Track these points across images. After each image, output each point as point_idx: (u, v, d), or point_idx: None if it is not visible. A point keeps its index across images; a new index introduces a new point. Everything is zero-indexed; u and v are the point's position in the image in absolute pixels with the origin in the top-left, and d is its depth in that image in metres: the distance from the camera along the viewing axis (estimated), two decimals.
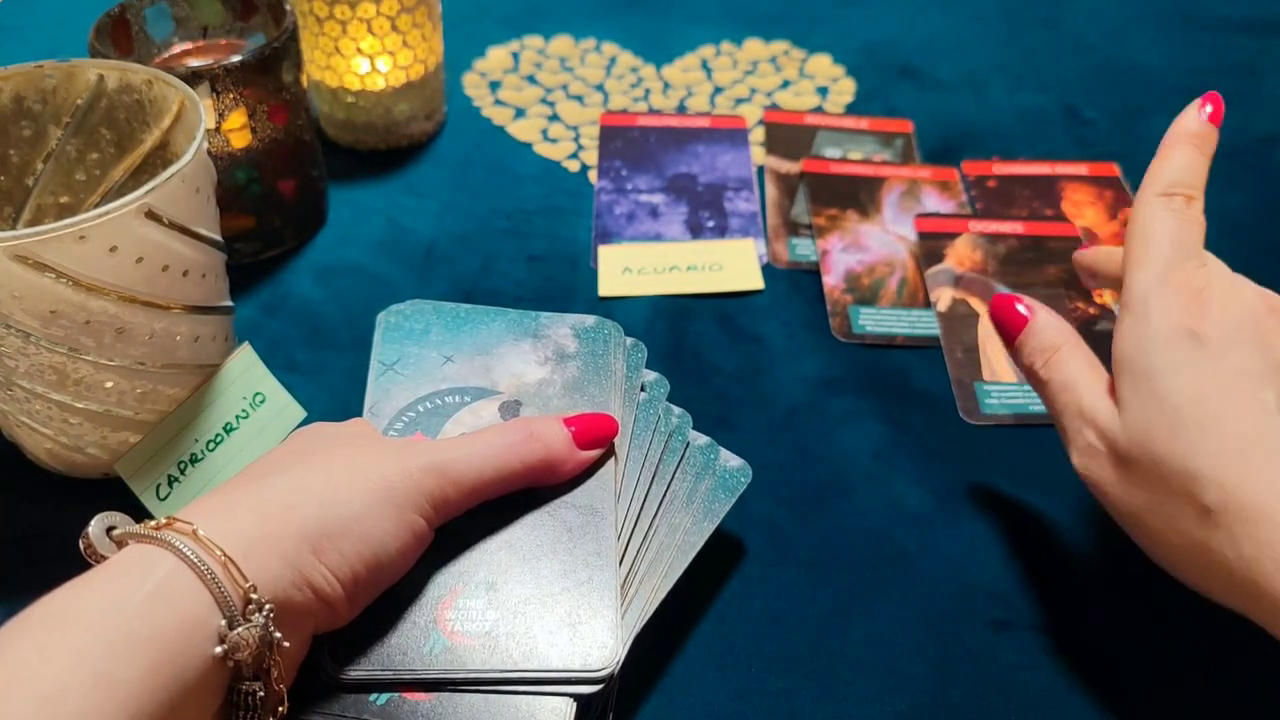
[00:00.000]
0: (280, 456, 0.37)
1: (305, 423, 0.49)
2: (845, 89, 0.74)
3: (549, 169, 0.66)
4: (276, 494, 0.34)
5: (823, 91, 0.74)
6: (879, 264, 0.59)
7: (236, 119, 0.53)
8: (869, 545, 0.45)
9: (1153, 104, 0.72)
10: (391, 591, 0.36)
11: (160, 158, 0.46)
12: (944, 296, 0.56)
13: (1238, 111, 0.71)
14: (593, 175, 0.66)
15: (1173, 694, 0.40)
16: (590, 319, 0.46)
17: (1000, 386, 0.52)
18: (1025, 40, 0.80)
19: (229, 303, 0.46)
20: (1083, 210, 0.63)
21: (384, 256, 0.59)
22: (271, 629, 0.31)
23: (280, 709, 0.33)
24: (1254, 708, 0.39)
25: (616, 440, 0.41)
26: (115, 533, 0.33)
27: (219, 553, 0.31)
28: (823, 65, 0.76)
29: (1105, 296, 0.56)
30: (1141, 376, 0.36)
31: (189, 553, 0.31)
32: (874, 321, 0.55)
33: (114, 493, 0.43)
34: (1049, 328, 0.41)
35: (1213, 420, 0.35)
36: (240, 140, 0.53)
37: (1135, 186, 0.64)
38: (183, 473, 0.44)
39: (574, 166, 0.66)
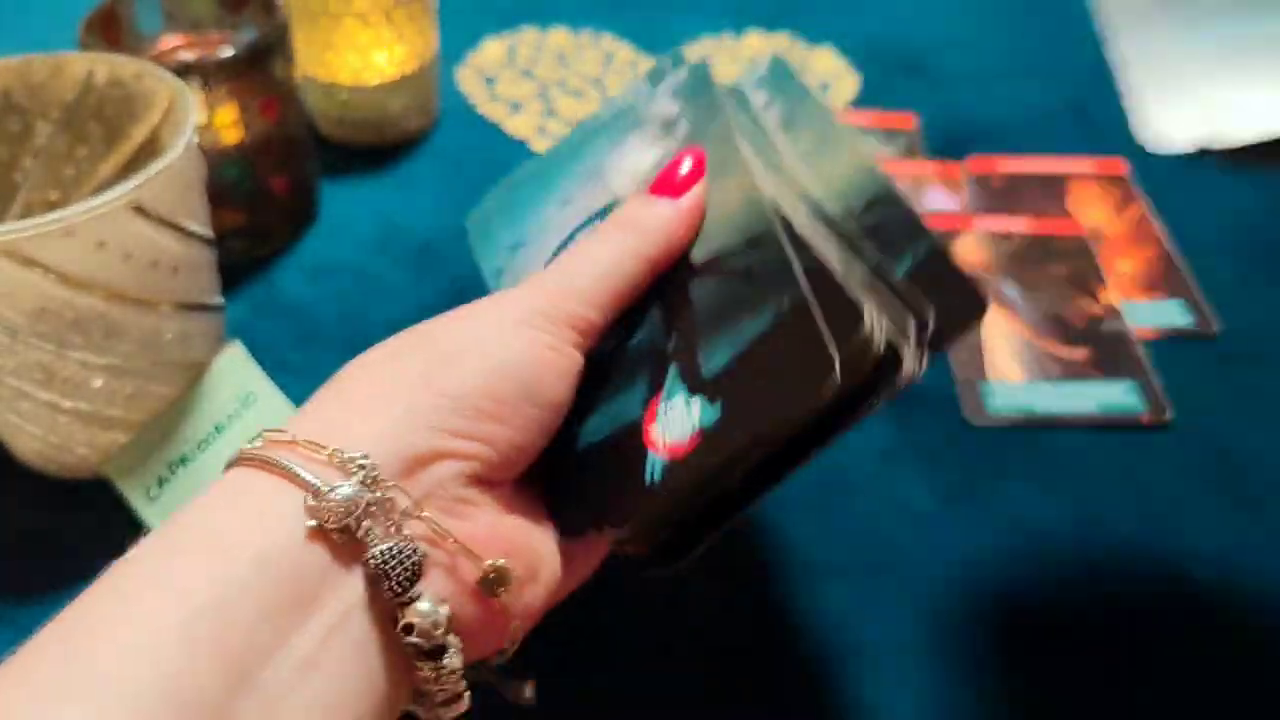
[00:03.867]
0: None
1: None
2: (849, 84, 0.73)
3: None
4: (368, 358, 0.31)
5: (825, 87, 0.73)
6: None
7: (227, 114, 0.52)
8: (872, 546, 0.44)
9: None
10: (577, 445, 0.32)
11: (150, 153, 0.45)
12: None
13: None
14: None
15: (1183, 695, 0.39)
16: (682, 73, 0.40)
17: (1005, 386, 0.51)
18: (1032, 35, 0.79)
19: (219, 300, 0.45)
20: (1089, 208, 0.62)
21: (378, 254, 0.58)
22: (376, 486, 0.27)
23: (495, 569, 0.29)
24: (1268, 706, 0.39)
25: (740, 164, 0.35)
26: None
27: (294, 438, 0.28)
28: (826, 59, 0.76)
29: (1111, 296, 0.56)
30: None
31: (263, 452, 0.28)
32: None
33: (104, 493, 0.42)
34: None
35: None
36: (231, 136, 0.53)
37: (1143, 184, 0.64)
38: (173, 473, 0.44)
39: None
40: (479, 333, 0.31)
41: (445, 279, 0.57)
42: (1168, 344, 0.54)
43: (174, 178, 0.39)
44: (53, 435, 0.42)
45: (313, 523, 0.26)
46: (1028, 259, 0.58)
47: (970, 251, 0.58)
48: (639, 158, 0.39)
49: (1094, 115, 0.70)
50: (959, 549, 0.44)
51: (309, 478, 0.27)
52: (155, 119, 0.44)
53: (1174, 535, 0.45)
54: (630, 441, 0.32)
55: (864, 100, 0.71)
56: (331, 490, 0.27)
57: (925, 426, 0.49)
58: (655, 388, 0.32)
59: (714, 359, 0.31)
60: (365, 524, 0.27)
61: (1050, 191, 0.63)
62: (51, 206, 0.47)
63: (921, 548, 0.44)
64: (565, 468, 0.33)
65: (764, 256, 0.32)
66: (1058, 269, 0.57)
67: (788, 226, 0.32)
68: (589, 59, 0.75)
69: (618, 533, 0.32)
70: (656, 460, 0.31)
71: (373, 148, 0.65)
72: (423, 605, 0.27)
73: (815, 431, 0.31)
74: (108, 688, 0.23)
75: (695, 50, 0.76)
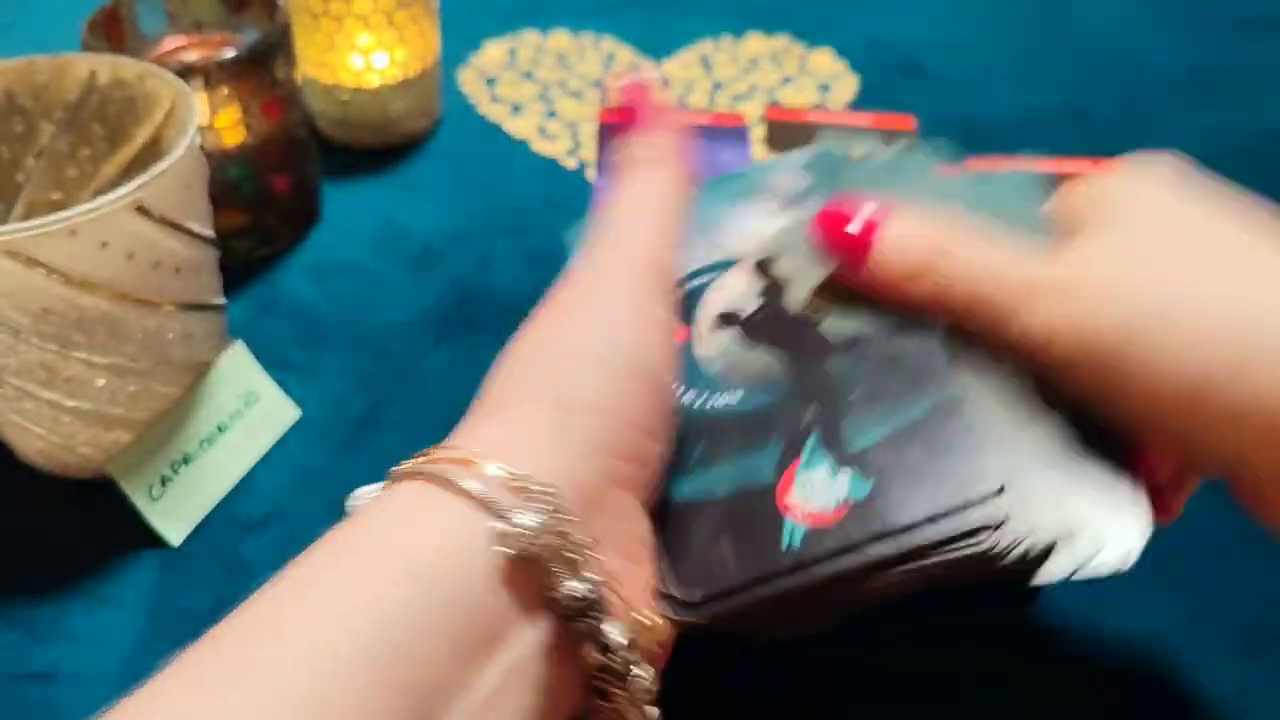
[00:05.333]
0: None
1: (299, 422, 0.48)
2: (848, 86, 0.73)
3: (547, 166, 0.66)
4: (513, 375, 0.29)
5: (825, 88, 0.73)
6: None
7: (230, 115, 0.52)
8: None
9: (1160, 102, 0.72)
10: (689, 498, 0.31)
11: (153, 154, 0.45)
12: None
13: (1245, 110, 0.71)
14: (591, 172, 0.65)
15: (1183, 692, 0.39)
16: (809, 151, 0.39)
17: None
18: (1030, 37, 0.79)
19: (221, 300, 0.45)
20: None
21: (379, 254, 0.58)
22: (563, 514, 0.26)
23: (648, 627, 0.28)
24: (1269, 699, 0.39)
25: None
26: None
27: (460, 454, 0.26)
28: (824, 61, 0.76)
29: None
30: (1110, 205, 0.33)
31: (437, 469, 0.26)
32: None
33: (106, 493, 0.43)
34: (916, 227, 0.33)
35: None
36: (233, 137, 0.53)
37: None
38: (175, 473, 0.44)
39: (572, 164, 0.66)
40: (612, 330, 0.30)
41: (446, 279, 0.57)
42: None
43: (176, 178, 0.39)
44: (55, 434, 0.42)
45: (508, 552, 0.25)
46: None
47: None
48: (760, 224, 0.38)
49: (1093, 116, 0.71)
50: None
51: (495, 500, 0.25)
52: (158, 120, 0.45)
53: (1173, 532, 0.45)
54: (762, 505, 0.31)
55: (863, 102, 0.72)
56: (520, 519, 0.25)
57: None
58: (791, 455, 0.31)
59: (864, 436, 0.31)
60: (552, 558, 0.25)
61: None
62: (54, 207, 0.47)
63: None
64: (673, 521, 0.31)
65: (921, 346, 0.32)
66: None
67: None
68: (590, 61, 0.76)
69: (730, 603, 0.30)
70: (796, 527, 0.30)
71: (374, 149, 0.65)
72: (612, 629, 0.26)
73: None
74: (285, 710, 0.21)
75: (695, 52, 0.76)
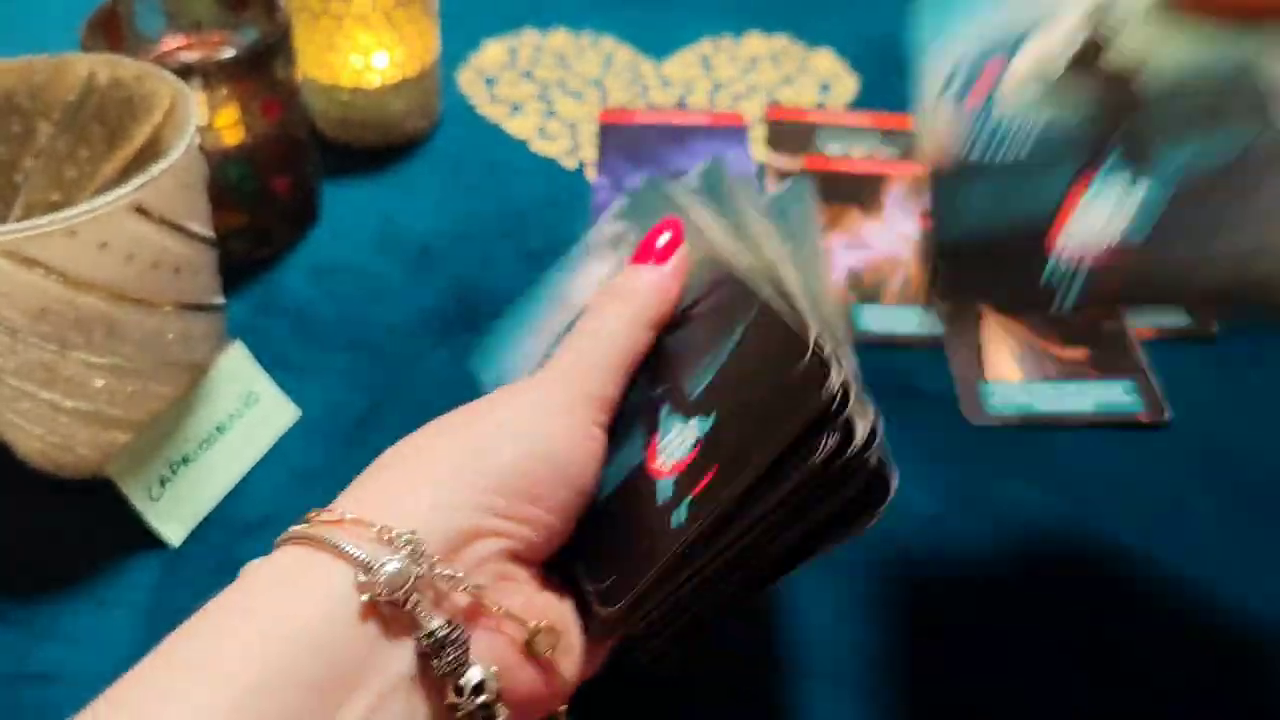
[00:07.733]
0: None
1: (299, 422, 0.48)
2: (848, 86, 0.73)
3: (546, 166, 0.66)
4: (413, 439, 0.32)
5: (825, 88, 0.73)
6: (882, 262, 0.58)
7: (229, 115, 0.52)
8: (872, 546, 0.44)
9: None
10: (593, 509, 0.33)
11: (152, 154, 0.45)
12: None
13: None
14: (590, 172, 0.65)
15: (1179, 692, 0.39)
16: (622, 200, 0.43)
17: (1004, 386, 0.51)
18: None
19: (221, 300, 0.45)
20: None
21: (378, 254, 0.58)
22: (422, 555, 0.28)
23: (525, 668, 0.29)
24: (1265, 704, 0.39)
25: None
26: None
27: (342, 516, 0.29)
28: (824, 61, 0.76)
29: None
30: None
31: (311, 531, 0.28)
32: (877, 320, 0.55)
33: (105, 493, 0.43)
34: None
35: None
36: (233, 136, 0.53)
37: None
38: (174, 473, 0.44)
39: (571, 164, 0.66)
40: (518, 419, 0.32)
41: (445, 279, 0.57)
42: (1166, 344, 0.54)
43: (175, 178, 0.39)
44: (54, 435, 0.42)
45: (365, 597, 0.27)
46: None
47: None
48: (595, 271, 0.41)
49: None
50: (958, 548, 0.44)
51: (358, 554, 0.28)
52: (157, 120, 0.45)
53: (1171, 534, 0.45)
54: (638, 485, 0.33)
55: (863, 101, 0.72)
56: (381, 565, 0.27)
57: (925, 426, 0.49)
58: (651, 431, 0.34)
59: (698, 382, 0.34)
60: (414, 597, 0.27)
61: None
62: (53, 207, 0.47)
63: (921, 546, 0.44)
64: (585, 536, 0.33)
65: (728, 291, 0.35)
66: None
67: (747, 271, 0.35)
68: (589, 60, 0.75)
69: (622, 603, 0.32)
70: (665, 483, 0.32)
71: (374, 149, 0.65)
72: (474, 673, 0.28)
73: (793, 513, 0.30)
74: None
75: (695, 52, 0.76)
